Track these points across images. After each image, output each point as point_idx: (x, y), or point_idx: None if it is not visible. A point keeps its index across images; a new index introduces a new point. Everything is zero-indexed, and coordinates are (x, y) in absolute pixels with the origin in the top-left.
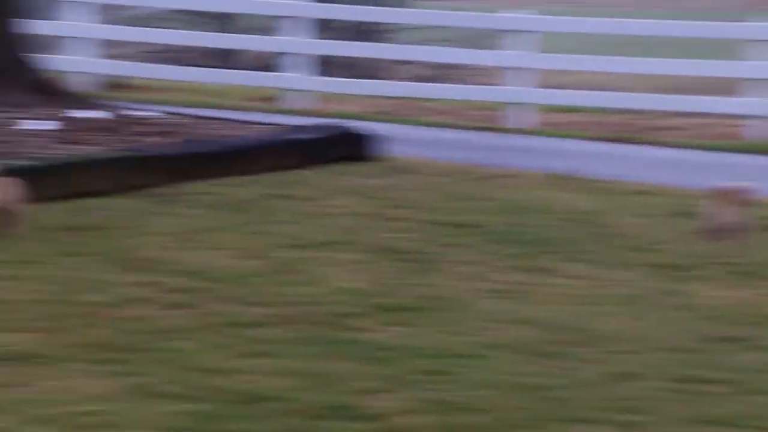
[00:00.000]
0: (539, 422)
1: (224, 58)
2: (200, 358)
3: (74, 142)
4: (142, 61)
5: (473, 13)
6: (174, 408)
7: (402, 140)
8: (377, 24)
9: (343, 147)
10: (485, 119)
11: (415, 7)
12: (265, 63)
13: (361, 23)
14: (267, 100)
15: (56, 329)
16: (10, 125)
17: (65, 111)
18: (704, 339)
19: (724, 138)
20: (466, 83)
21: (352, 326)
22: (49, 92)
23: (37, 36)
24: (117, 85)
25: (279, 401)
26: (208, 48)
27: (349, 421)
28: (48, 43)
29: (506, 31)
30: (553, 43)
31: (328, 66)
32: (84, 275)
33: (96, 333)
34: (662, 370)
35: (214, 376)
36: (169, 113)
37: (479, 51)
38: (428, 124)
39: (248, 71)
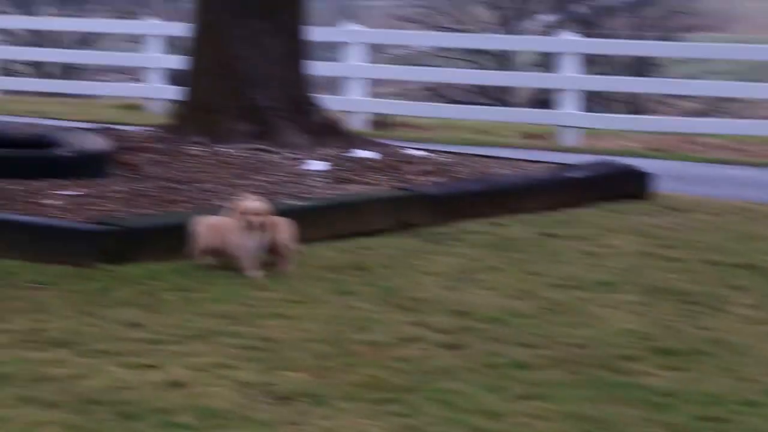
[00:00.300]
0: None
1: (487, 95)
2: (474, 400)
3: (349, 181)
4: (409, 99)
5: (754, 45)
6: None
7: (677, 177)
8: (644, 58)
9: (618, 185)
10: (766, 154)
11: (687, 41)
12: (533, 100)
13: (631, 58)
14: (535, 137)
15: (327, 368)
16: (295, 165)
17: (343, 150)
18: None
19: None
20: (741, 117)
21: (630, 370)
22: (331, 132)
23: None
24: (383, 123)
25: None
26: (472, 85)
27: None
28: (323, 84)
29: None
30: None
31: (594, 102)
32: (355, 314)
33: (367, 372)
34: None
35: (489, 419)
36: (440, 152)
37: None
38: (704, 161)
39: (519, 108)
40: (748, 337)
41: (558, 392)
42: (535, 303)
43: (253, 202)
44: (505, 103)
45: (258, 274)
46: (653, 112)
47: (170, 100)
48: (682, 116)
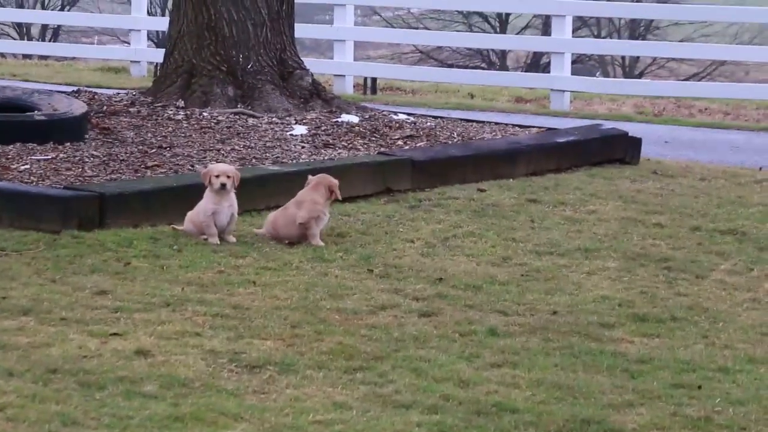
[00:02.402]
0: None
1: (484, 58)
2: (445, 368)
3: (332, 146)
4: (402, 63)
5: (755, 8)
6: (414, 418)
7: (670, 141)
8: (637, 22)
9: (606, 150)
10: (763, 119)
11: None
12: (526, 63)
13: (629, 21)
14: (527, 101)
15: (297, 336)
16: (278, 130)
17: (331, 115)
18: None
19: None
20: (737, 81)
21: (605, 337)
22: (316, 97)
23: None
24: (372, 87)
25: (522, 413)
26: (462, 48)
27: None
28: (312, 47)
29: None
30: None
31: (587, 65)
32: (329, 281)
33: (338, 340)
34: None
35: (460, 387)
36: (426, 116)
37: (761, 47)
38: (698, 125)
39: (510, 72)
40: (725, 304)
41: (530, 360)
42: (513, 270)
43: (220, 165)
44: (501, 66)
45: (216, 240)
46: (649, 74)
47: (155, 63)
48: (676, 80)
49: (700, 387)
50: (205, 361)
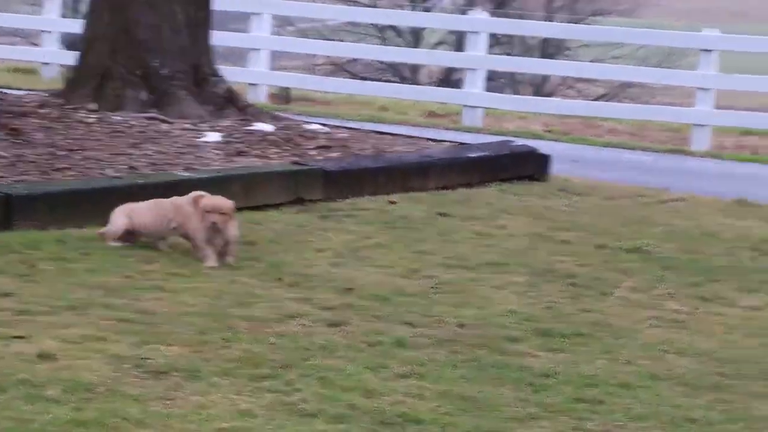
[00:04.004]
0: None
1: (396, 72)
2: (352, 378)
3: (245, 154)
4: (315, 74)
5: (666, 32)
6: (319, 427)
7: (577, 160)
8: (549, 41)
9: (517, 166)
10: (668, 141)
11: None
12: (438, 79)
13: (541, 41)
14: (439, 116)
15: (204, 343)
16: (190, 136)
17: (244, 123)
18: None
19: None
20: (645, 103)
21: (510, 350)
22: (230, 104)
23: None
24: (286, 97)
25: (427, 425)
26: (375, 62)
27: None
28: (226, 55)
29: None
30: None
31: (501, 83)
32: (238, 289)
33: (245, 348)
34: None
35: (365, 397)
36: (340, 127)
37: (669, 70)
38: (605, 145)
39: (424, 86)
40: (628, 321)
41: (437, 372)
42: (421, 282)
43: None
44: (413, 81)
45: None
46: (559, 94)
47: (66, 66)
48: (585, 100)
49: (601, 402)
50: (109, 366)
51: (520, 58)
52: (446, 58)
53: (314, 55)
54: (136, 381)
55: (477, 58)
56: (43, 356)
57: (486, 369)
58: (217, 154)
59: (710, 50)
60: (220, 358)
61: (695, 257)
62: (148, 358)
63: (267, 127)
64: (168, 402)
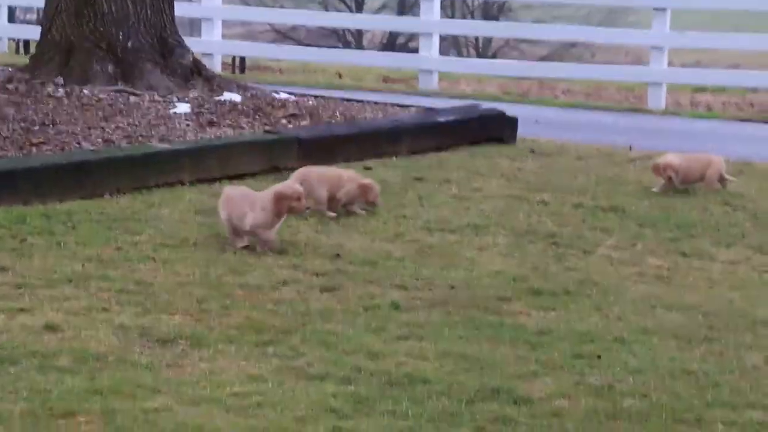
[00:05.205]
0: (697, 408)
1: (339, 38)
2: (353, 341)
3: (217, 125)
4: (259, 41)
5: None
6: (329, 389)
7: (538, 121)
8: (490, 4)
9: (486, 129)
10: (624, 100)
11: None
12: (382, 43)
13: (482, 3)
14: (394, 81)
15: (205, 311)
16: (161, 108)
17: (213, 93)
18: None
19: None
20: (596, 63)
21: (503, 310)
22: (197, 75)
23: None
24: (240, 66)
25: (433, 384)
26: (317, 28)
27: (506, 405)
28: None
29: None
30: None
31: (442, 46)
32: (229, 258)
33: (246, 315)
34: None
35: (370, 359)
36: (307, 95)
37: (619, 30)
38: (563, 105)
39: (379, 52)
40: (613, 278)
41: (435, 333)
42: (407, 246)
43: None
44: (358, 47)
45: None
46: (502, 56)
47: (14, 39)
48: (538, 61)
49: (599, 357)
50: (115, 335)
51: (478, 21)
52: (400, 23)
53: (252, 23)
54: (144, 350)
55: (432, 22)
56: (50, 328)
57: (482, 329)
58: (189, 124)
59: (663, 8)
60: (223, 325)
61: (670, 214)
62: (153, 327)
63: (235, 96)
64: (178, 369)
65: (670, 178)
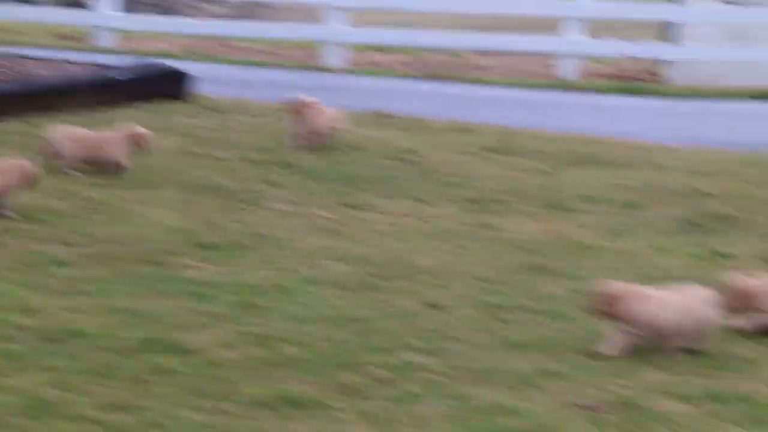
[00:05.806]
0: (356, 352)
1: None
2: (10, 296)
3: None
4: None
5: None
6: None
7: (216, 79)
8: None
9: (159, 86)
10: (300, 58)
11: None
12: (62, 1)
13: None
14: (69, 38)
15: None
16: None
17: None
18: (512, 270)
19: (539, 76)
20: (277, 22)
21: (172, 264)
22: None
23: None
24: None
25: (95, 338)
26: None
27: (168, 355)
28: None
29: None
30: None
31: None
32: None
33: None
34: (471, 299)
35: (30, 316)
36: None
37: None
38: (242, 63)
39: (50, 8)
40: (284, 231)
41: (100, 288)
42: (74, 203)
43: None
44: (32, 3)
45: None
46: (184, 15)
47: None
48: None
49: (265, 308)
50: None
51: None
52: None
53: None
54: None
55: None
56: None
57: (149, 283)
58: None
59: None
60: None
61: (342, 168)
62: None
63: None
64: None
65: None
